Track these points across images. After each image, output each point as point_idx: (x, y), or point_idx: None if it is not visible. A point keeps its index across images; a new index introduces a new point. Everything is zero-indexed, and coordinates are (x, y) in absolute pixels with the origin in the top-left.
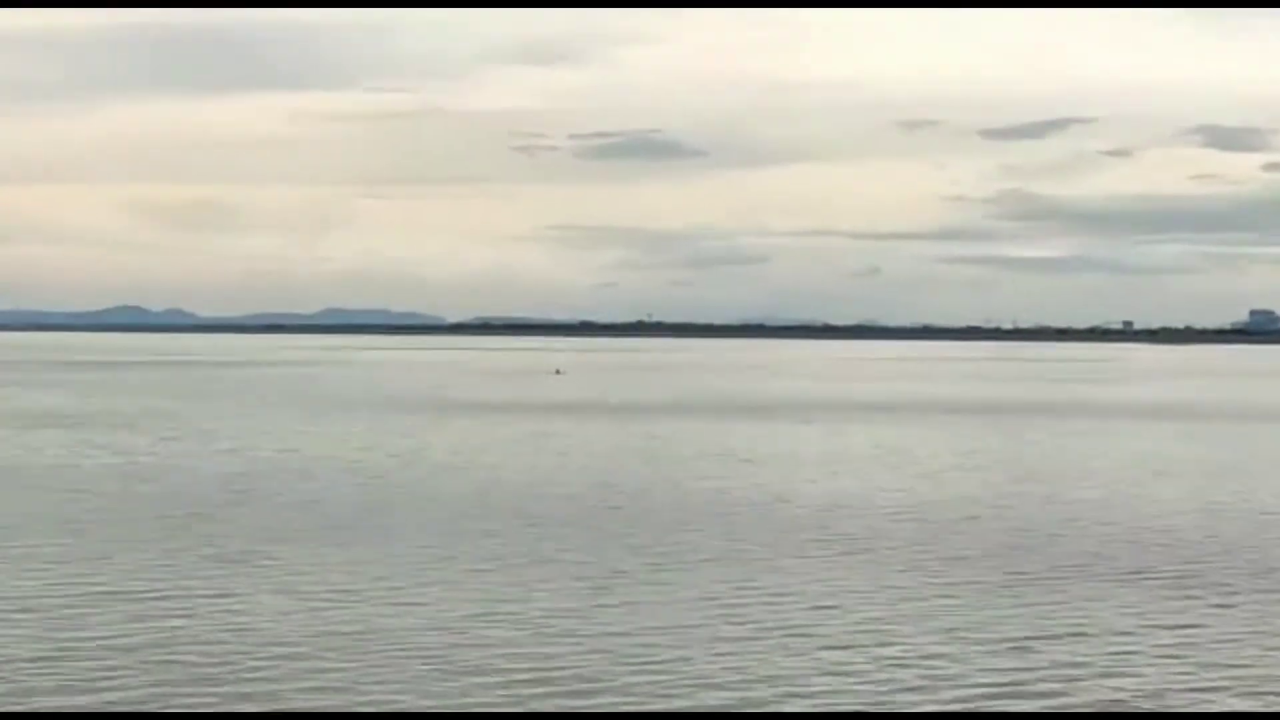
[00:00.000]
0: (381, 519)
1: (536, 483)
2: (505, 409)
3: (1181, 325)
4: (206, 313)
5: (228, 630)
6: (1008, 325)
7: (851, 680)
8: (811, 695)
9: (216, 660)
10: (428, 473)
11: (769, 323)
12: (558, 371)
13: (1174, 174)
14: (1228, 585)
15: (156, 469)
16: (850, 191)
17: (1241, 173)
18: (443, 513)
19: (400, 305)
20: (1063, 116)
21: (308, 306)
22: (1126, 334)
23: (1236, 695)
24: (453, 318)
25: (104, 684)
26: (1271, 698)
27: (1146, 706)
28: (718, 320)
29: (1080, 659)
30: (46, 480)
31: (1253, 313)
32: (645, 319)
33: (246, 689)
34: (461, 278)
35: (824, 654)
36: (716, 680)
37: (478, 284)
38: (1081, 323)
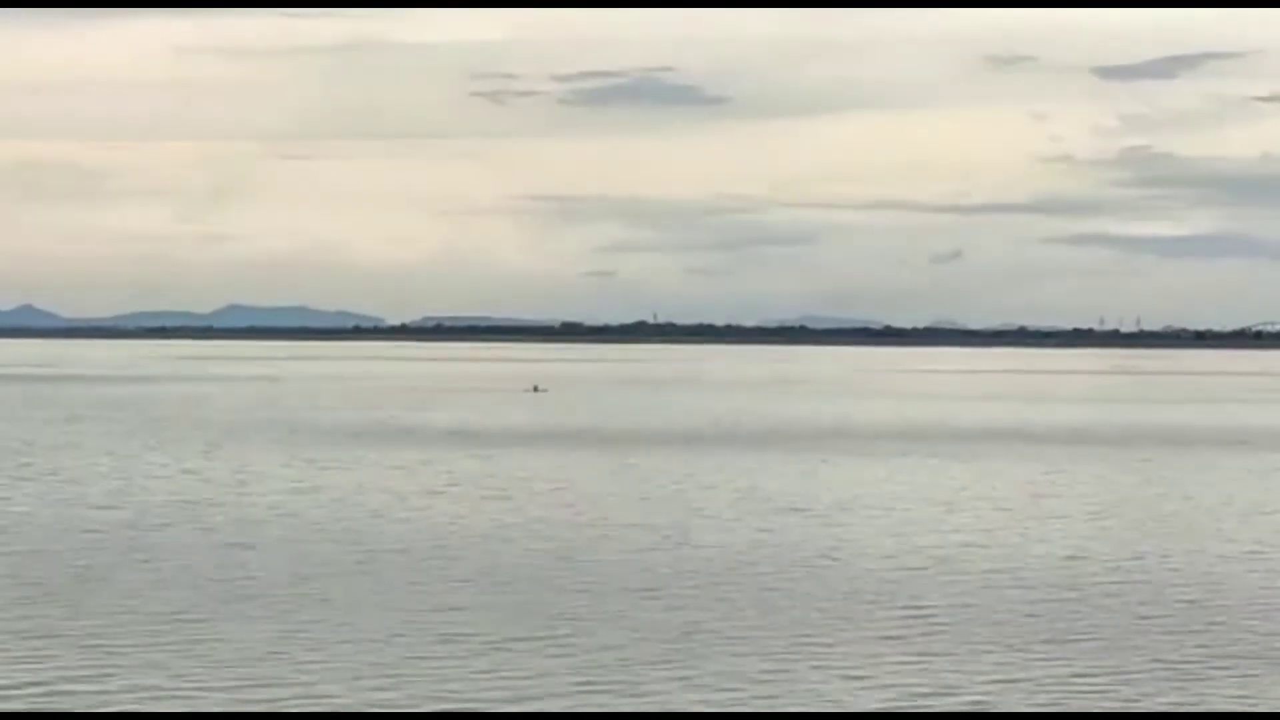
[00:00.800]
0: (304, 589)
1: (509, 539)
2: (465, 438)
3: None
4: (69, 312)
5: None
6: (1129, 326)
7: None
8: None
9: None
10: (362, 526)
11: (814, 324)
12: (535, 388)
13: None
14: None
15: None
16: (922, 150)
17: None
18: (387, 582)
19: (326, 302)
20: (1199, 51)
21: (203, 303)
22: None
23: None
24: (395, 318)
25: None
26: None
27: None
28: (747, 320)
29: None
30: None
31: None
32: (650, 319)
33: None
34: (407, 266)
35: None
36: None
37: (429, 274)
38: (1228, 323)
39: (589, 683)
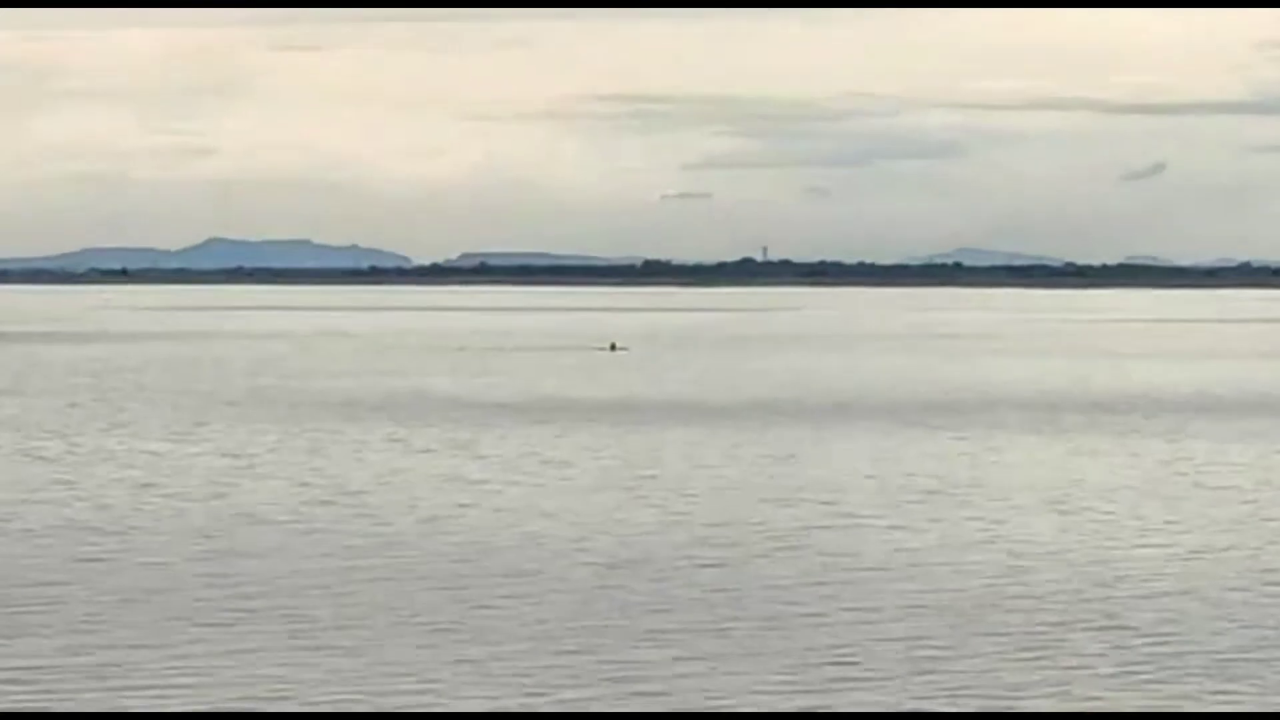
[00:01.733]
0: (330, 611)
1: (595, 547)
2: (525, 414)
3: None
4: (2, 251)
5: None
6: None
7: None
8: None
9: None
10: (404, 529)
11: (971, 260)
12: (613, 347)
13: None
14: None
15: None
16: (1107, 35)
17: None
18: (439, 605)
19: (334, 234)
20: None
21: (175, 237)
22: None
23: None
24: (425, 255)
25: None
26: None
27: None
28: (883, 256)
29: None
30: None
31: None
32: (758, 256)
33: None
34: (439, 187)
35: None
36: None
37: (467, 198)
38: None
39: None
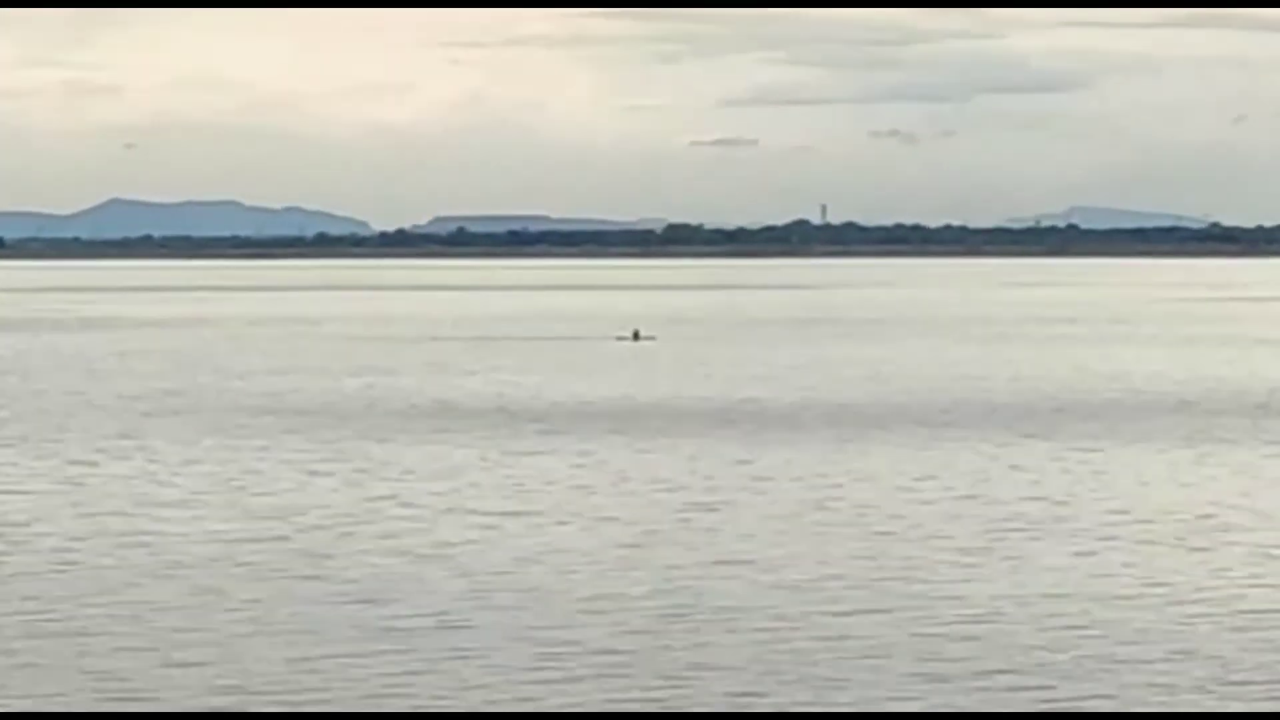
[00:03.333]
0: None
1: (625, 593)
2: (527, 420)
3: None
4: None
5: None
6: None
7: None
8: None
9: None
10: (383, 567)
11: (1090, 221)
12: (636, 335)
13: None
14: None
15: None
16: None
17: None
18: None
19: (270, 194)
20: None
21: (66, 197)
22: None
23: None
24: (387, 220)
25: None
26: None
27: None
28: (974, 219)
29: None
30: None
31: None
32: (815, 217)
33: None
34: (403, 133)
35: None
36: None
37: (441, 147)
38: None
39: None
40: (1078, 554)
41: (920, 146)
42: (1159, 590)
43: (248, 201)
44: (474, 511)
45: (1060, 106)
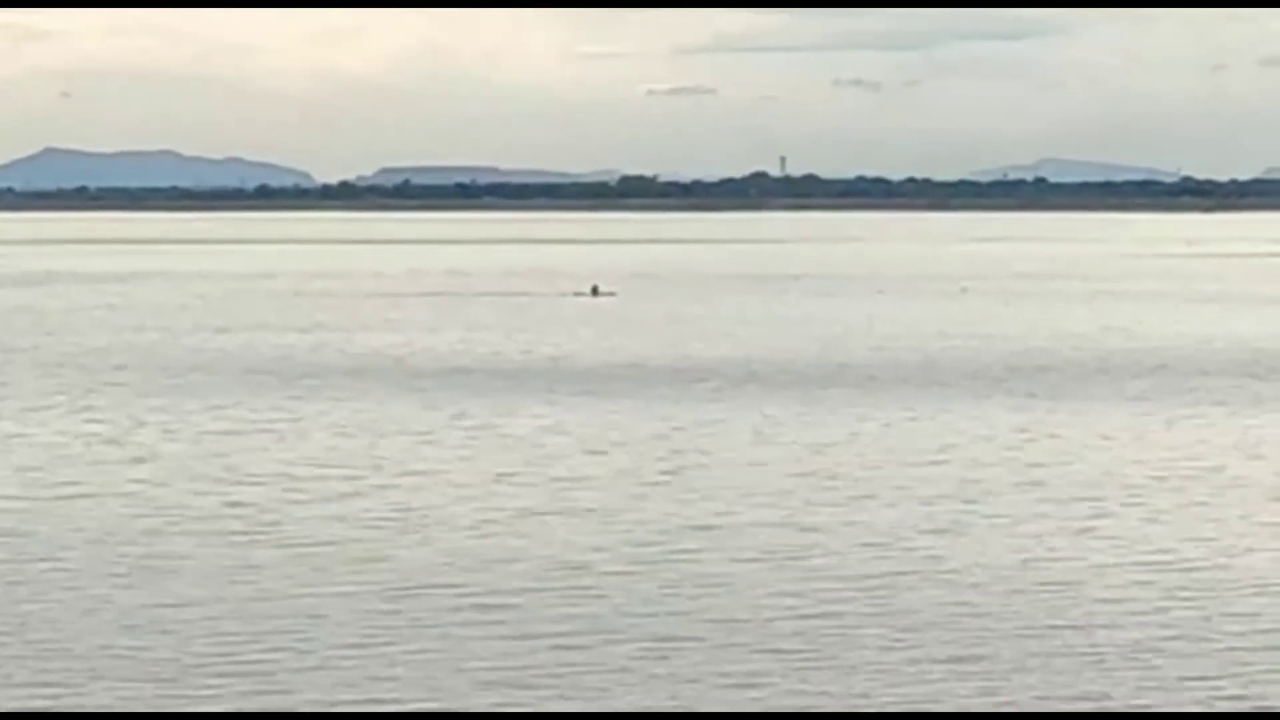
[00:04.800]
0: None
1: (611, 568)
2: (489, 380)
3: None
4: None
5: None
6: None
7: None
8: None
9: None
10: (347, 540)
11: (1058, 174)
12: (595, 291)
13: None
14: None
15: None
16: None
17: None
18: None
19: (210, 144)
20: None
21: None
22: None
23: None
24: (330, 171)
25: None
26: None
27: None
28: (940, 170)
29: None
30: None
31: None
32: (775, 170)
33: None
34: (348, 82)
35: None
36: None
37: (387, 96)
38: None
39: None
40: (1055, 516)
41: (884, 96)
42: (1148, 555)
43: (187, 152)
44: (433, 474)
45: (1032, 54)
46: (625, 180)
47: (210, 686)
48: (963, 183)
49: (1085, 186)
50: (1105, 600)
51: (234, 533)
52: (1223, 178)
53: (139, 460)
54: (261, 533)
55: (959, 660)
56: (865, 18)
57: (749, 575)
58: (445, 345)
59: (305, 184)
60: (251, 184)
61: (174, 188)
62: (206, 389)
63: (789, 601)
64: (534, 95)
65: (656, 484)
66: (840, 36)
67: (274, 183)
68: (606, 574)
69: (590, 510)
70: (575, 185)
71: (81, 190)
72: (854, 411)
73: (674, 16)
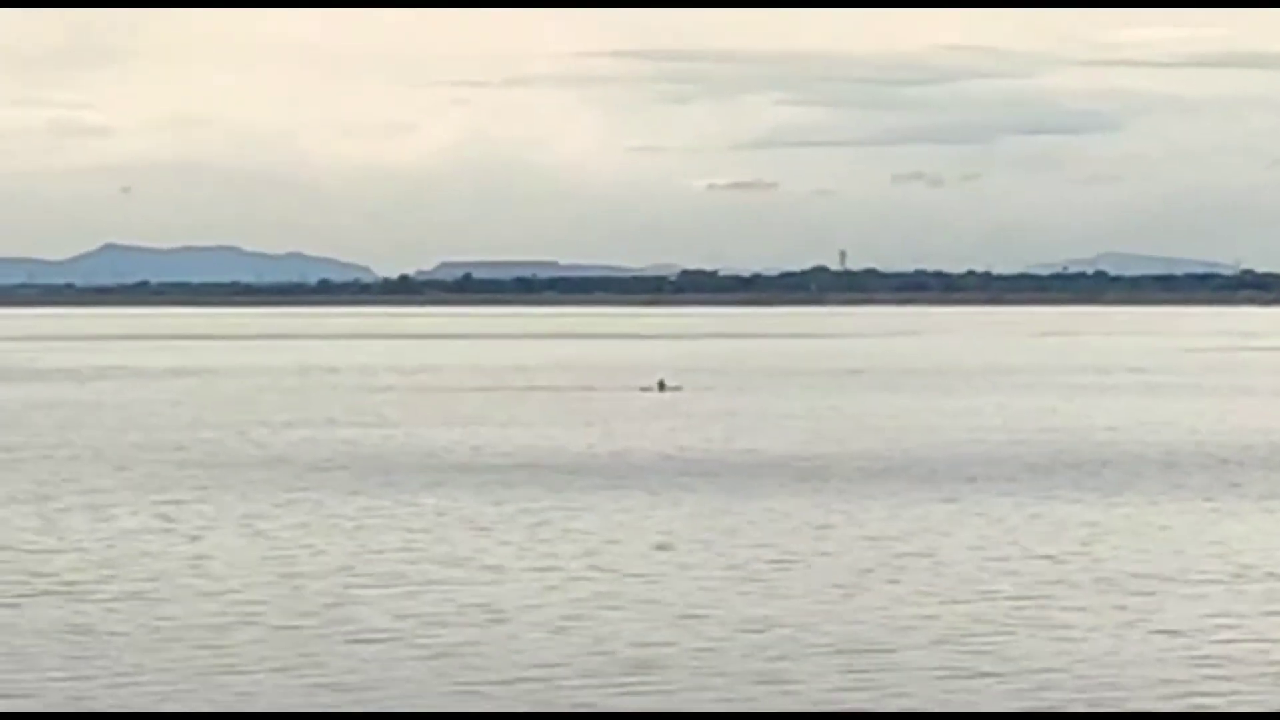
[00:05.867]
0: None
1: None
2: (557, 476)
3: None
4: None
5: None
6: None
7: None
8: None
9: None
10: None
11: (1116, 267)
12: (661, 385)
13: None
14: None
15: None
16: None
17: None
18: None
19: (269, 239)
20: None
21: (58, 244)
22: None
23: None
24: (390, 266)
25: None
26: None
27: None
28: (999, 265)
29: None
30: None
31: None
32: (834, 263)
33: None
34: (407, 175)
35: None
36: None
37: (446, 190)
38: None
39: None
40: (1115, 608)
41: (944, 190)
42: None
43: (247, 246)
44: (504, 569)
45: (1089, 149)
46: (685, 274)
47: None
48: (1023, 276)
49: (1144, 280)
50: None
51: (300, 628)
52: None
53: (206, 556)
54: (329, 629)
55: None
56: (922, 111)
57: (815, 666)
58: (513, 441)
59: (366, 278)
60: (312, 278)
61: (235, 283)
62: (271, 485)
63: (858, 695)
64: (590, 189)
65: (728, 579)
66: (897, 131)
67: (335, 277)
68: (677, 669)
69: (666, 605)
70: (634, 279)
71: (142, 285)
72: (918, 504)
73: (728, 110)
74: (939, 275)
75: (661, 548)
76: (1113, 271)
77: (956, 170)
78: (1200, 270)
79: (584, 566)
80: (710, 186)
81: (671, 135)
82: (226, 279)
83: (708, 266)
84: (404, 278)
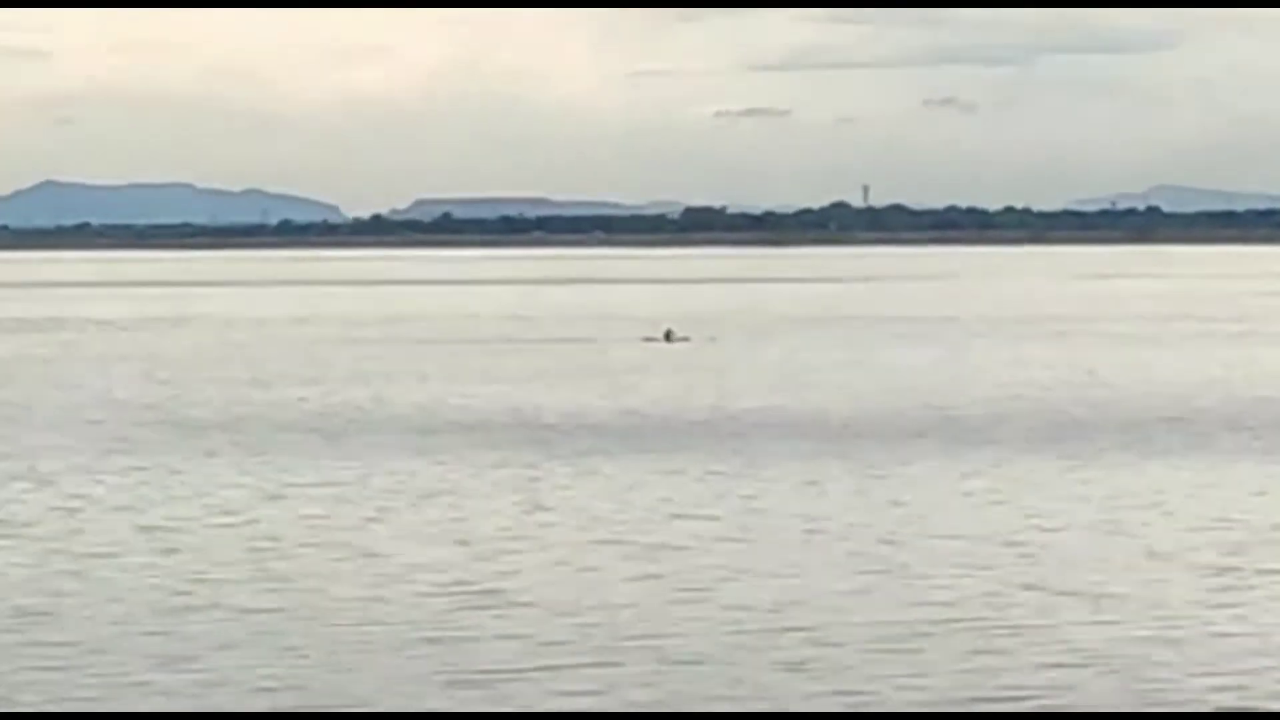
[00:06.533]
0: None
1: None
2: (559, 436)
3: None
4: None
5: None
6: None
7: None
8: None
9: None
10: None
11: (1171, 203)
12: (669, 336)
13: None
14: None
15: None
16: None
17: None
18: None
19: (227, 175)
20: None
21: None
22: None
23: None
24: (363, 205)
25: None
26: None
27: None
28: (1041, 200)
29: None
30: None
31: None
32: (857, 200)
33: None
34: (380, 106)
35: None
36: None
37: (424, 121)
38: None
39: None
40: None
41: (978, 117)
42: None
43: (200, 183)
44: (499, 543)
45: (1141, 70)
46: (690, 212)
47: None
48: (1066, 213)
49: (1202, 216)
50: None
51: (266, 610)
52: None
53: (158, 529)
54: (298, 614)
55: None
56: (955, 30)
57: (844, 657)
58: (505, 399)
59: (333, 218)
60: (273, 218)
61: (187, 224)
62: (237, 449)
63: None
64: (585, 118)
65: (749, 553)
66: (927, 52)
67: (298, 217)
68: (690, 657)
69: (678, 583)
70: (634, 218)
71: (84, 226)
72: (958, 470)
73: (742, 29)
74: (972, 212)
75: (675, 517)
76: (1166, 207)
77: (992, 95)
78: (1264, 206)
79: (586, 541)
80: (719, 114)
81: (676, 57)
82: (177, 219)
83: (715, 203)
84: (376, 217)
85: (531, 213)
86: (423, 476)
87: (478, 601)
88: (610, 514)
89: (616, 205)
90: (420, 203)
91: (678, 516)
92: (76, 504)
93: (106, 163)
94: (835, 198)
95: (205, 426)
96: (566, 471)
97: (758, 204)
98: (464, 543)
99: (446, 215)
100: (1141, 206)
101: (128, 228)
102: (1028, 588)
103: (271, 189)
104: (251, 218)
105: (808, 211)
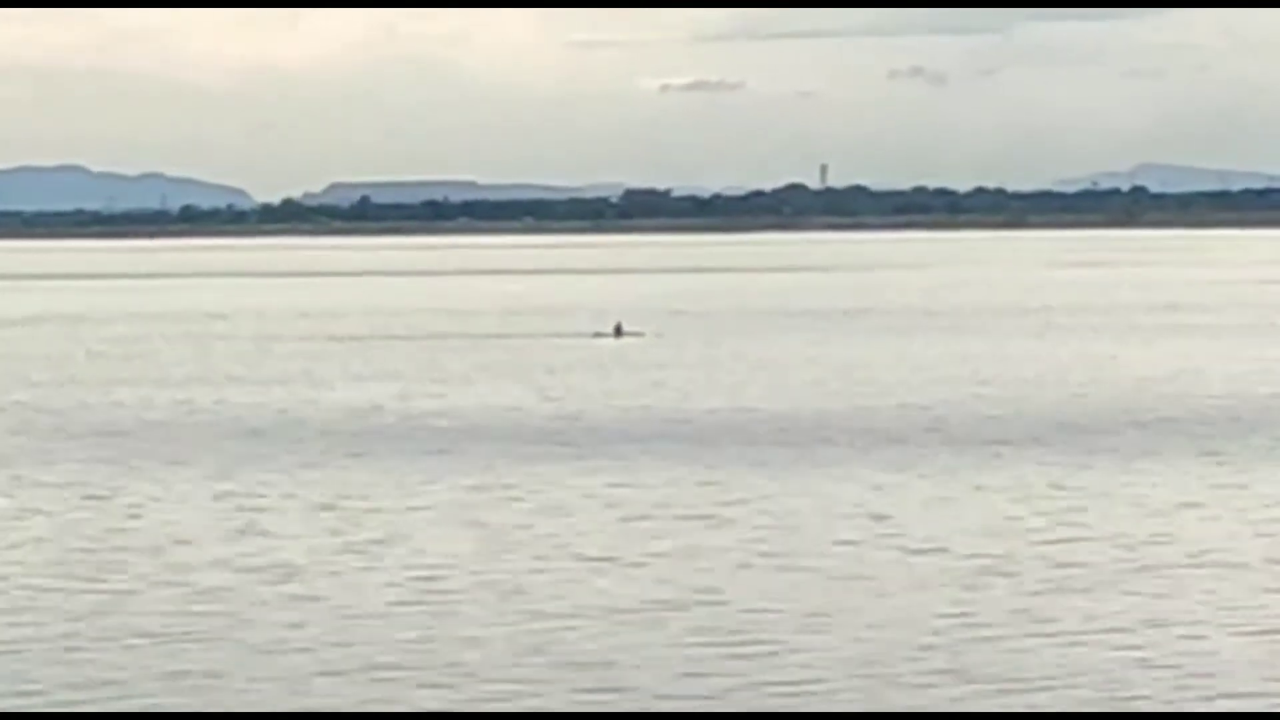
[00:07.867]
0: None
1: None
2: (502, 442)
3: None
4: None
5: None
6: None
7: None
8: None
9: None
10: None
11: (1158, 182)
12: (619, 331)
13: None
14: None
15: None
16: None
17: None
18: None
19: (124, 158)
20: None
21: None
22: None
23: None
24: (273, 189)
25: None
26: None
27: None
28: (1015, 180)
29: None
30: None
31: None
32: (813, 181)
33: None
34: (293, 80)
35: None
36: None
37: (341, 98)
38: None
39: None
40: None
41: (948, 89)
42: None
43: (95, 166)
44: (447, 558)
45: (1125, 37)
46: (631, 195)
47: None
48: (1044, 194)
49: (1192, 197)
50: None
51: (189, 634)
52: None
53: (70, 546)
54: (222, 636)
55: None
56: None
57: (827, 675)
58: (446, 402)
59: (241, 203)
60: (175, 205)
61: (80, 210)
62: (151, 457)
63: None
64: (516, 92)
65: (719, 567)
66: (894, 19)
67: (202, 203)
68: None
69: (638, 600)
70: (571, 202)
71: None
72: (939, 474)
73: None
74: (942, 194)
75: (630, 527)
76: (1153, 187)
77: (963, 65)
78: (1260, 185)
79: (535, 556)
80: (664, 88)
81: (618, 25)
82: (70, 206)
83: (659, 185)
84: (288, 202)
85: (457, 196)
86: (347, 483)
87: (416, 618)
88: (557, 528)
89: (550, 188)
90: (335, 186)
91: (627, 524)
92: None
93: (27, 140)
94: (790, 179)
95: (116, 434)
96: (512, 480)
97: (705, 186)
98: (399, 553)
99: (365, 200)
100: (1126, 186)
101: (15, 215)
102: (1033, 594)
103: (172, 172)
104: (150, 203)
105: (759, 194)
